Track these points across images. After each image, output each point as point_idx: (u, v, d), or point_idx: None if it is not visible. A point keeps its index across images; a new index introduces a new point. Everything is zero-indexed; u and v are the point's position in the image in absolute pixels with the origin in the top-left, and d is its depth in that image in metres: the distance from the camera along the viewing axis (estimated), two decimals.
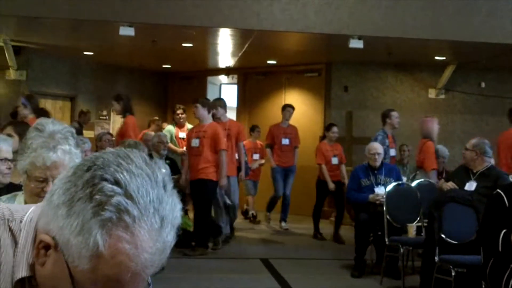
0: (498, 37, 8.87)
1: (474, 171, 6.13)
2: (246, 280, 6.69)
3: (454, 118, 11.77)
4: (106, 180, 0.99)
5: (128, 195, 0.99)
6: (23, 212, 1.12)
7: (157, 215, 1.00)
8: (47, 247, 1.03)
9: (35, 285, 1.07)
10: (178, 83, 14.30)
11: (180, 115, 9.51)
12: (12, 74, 11.14)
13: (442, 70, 11.42)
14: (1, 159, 2.98)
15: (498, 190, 4.13)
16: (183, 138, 9.19)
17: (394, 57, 10.91)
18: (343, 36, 8.81)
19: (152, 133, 8.96)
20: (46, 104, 11.76)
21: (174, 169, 8.47)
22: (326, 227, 9.74)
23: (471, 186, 6.04)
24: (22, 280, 1.07)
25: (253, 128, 10.92)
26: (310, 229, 9.62)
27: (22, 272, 1.06)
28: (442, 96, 11.90)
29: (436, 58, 10.83)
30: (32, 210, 1.12)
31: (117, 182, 0.99)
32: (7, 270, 1.07)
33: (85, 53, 11.70)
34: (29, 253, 1.07)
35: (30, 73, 11.42)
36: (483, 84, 11.90)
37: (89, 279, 1.00)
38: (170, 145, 8.88)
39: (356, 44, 8.81)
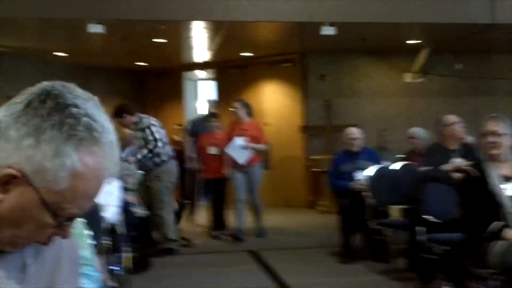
0: (470, 17, 8.85)
1: (451, 148, 5.93)
2: (236, 274, 6.58)
3: (431, 101, 11.77)
4: (70, 105, 1.09)
5: (89, 116, 1.10)
6: None
7: (110, 131, 1.13)
8: (6, 182, 1.08)
9: None
10: (154, 81, 14.14)
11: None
12: None
13: (417, 54, 11.41)
14: None
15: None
16: None
17: (368, 44, 10.87)
18: (314, 24, 8.74)
19: None
20: None
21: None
22: (314, 217, 9.71)
23: (459, 163, 5.61)
24: None
25: None
26: (295, 220, 9.58)
27: None
28: (419, 80, 11.89)
29: (410, 42, 10.81)
30: None
31: (77, 106, 1.09)
32: None
33: (57, 54, 11.50)
34: None
35: (2, 77, 11.21)
36: (459, 66, 11.91)
37: (64, 198, 1.09)
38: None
39: (328, 31, 8.74)
